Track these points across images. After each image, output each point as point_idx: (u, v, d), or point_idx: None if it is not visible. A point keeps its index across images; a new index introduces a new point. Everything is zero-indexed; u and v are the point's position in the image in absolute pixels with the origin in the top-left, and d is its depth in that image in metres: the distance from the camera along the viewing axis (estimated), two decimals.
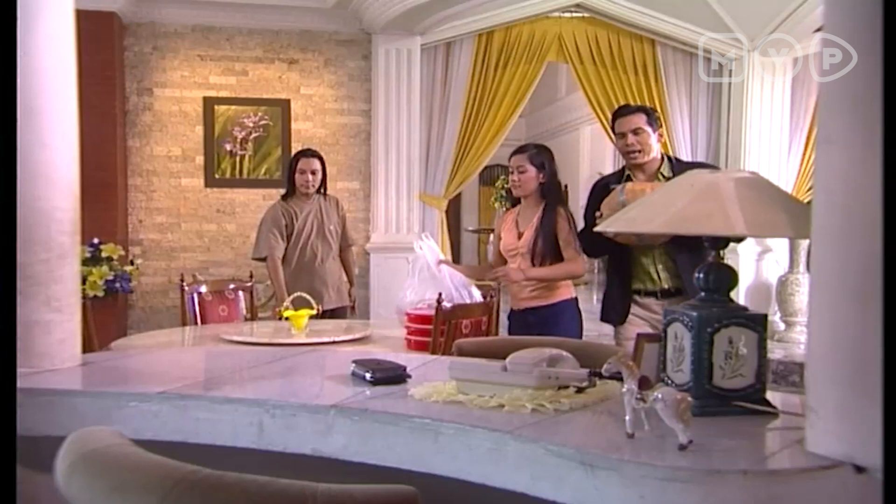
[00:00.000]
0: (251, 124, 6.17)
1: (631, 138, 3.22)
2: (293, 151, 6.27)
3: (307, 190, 4.46)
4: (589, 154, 16.23)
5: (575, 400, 1.43)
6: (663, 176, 3.19)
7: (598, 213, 3.12)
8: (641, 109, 3.36)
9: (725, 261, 1.55)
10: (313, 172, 4.47)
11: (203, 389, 1.55)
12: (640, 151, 3.21)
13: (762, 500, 1.09)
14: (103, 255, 5.05)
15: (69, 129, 1.73)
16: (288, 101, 6.20)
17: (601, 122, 7.06)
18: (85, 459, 1.01)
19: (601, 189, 3.28)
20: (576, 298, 3.59)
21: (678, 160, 3.43)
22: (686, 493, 1.09)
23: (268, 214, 4.55)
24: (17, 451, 1.18)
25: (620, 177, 3.34)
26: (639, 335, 2.59)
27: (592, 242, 3.26)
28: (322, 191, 4.57)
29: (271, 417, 1.44)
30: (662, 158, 3.26)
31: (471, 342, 2.30)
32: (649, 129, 3.23)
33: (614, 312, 3.26)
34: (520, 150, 3.80)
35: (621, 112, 3.36)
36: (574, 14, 6.73)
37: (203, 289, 4.40)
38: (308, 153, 4.61)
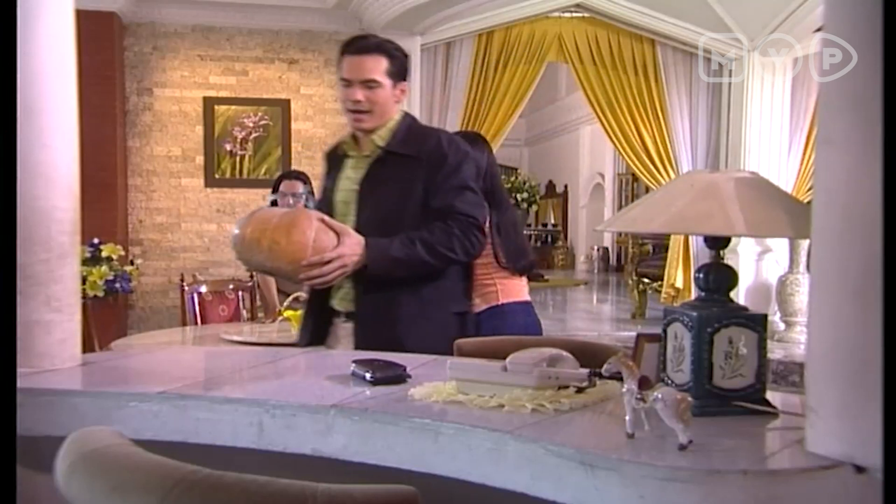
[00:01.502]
0: (251, 124, 6.18)
1: (359, 93, 2.25)
2: (293, 151, 6.30)
3: None
4: (589, 154, 16.26)
5: (575, 400, 1.43)
6: (375, 145, 2.31)
7: None
8: (382, 49, 2.28)
9: (725, 261, 1.55)
10: (294, 196, 4.26)
11: (203, 389, 1.55)
12: (368, 113, 2.26)
13: (762, 500, 1.09)
14: (103, 255, 5.05)
15: (69, 129, 1.73)
16: (288, 101, 6.21)
17: (601, 122, 7.07)
18: (85, 459, 1.01)
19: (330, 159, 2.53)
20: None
21: (412, 125, 2.36)
22: (686, 493, 1.09)
23: None
24: (17, 451, 1.18)
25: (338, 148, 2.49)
26: (639, 335, 2.59)
27: None
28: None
29: (271, 417, 1.44)
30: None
31: (471, 342, 2.30)
32: (388, 83, 2.27)
33: (306, 333, 2.49)
34: None
35: (350, 48, 2.29)
36: (574, 14, 6.75)
37: (203, 289, 4.41)
38: (291, 175, 4.44)
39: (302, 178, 4.41)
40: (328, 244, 2.12)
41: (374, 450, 1.36)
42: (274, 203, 4.41)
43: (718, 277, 1.47)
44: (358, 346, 2.24)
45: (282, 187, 4.33)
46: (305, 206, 2.41)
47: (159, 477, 0.94)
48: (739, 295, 5.77)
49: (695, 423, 1.21)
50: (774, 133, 6.82)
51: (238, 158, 6.18)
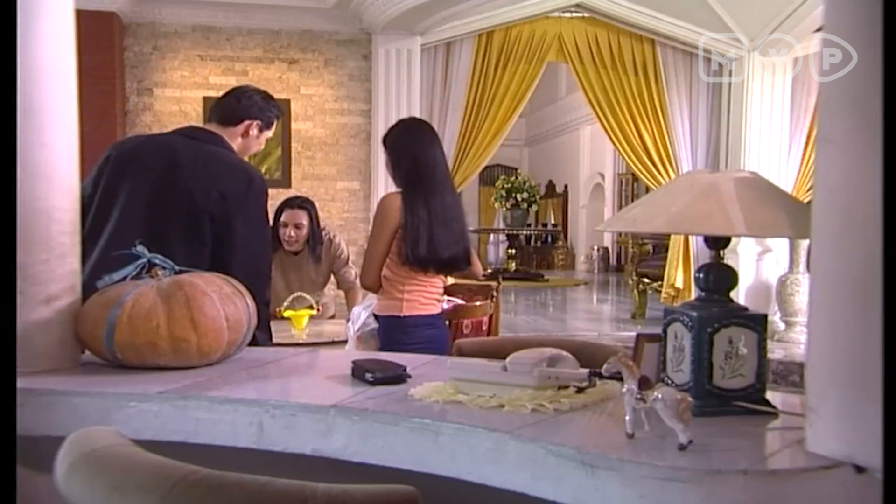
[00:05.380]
0: None
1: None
2: (293, 151, 6.29)
3: (290, 246, 3.93)
4: (589, 154, 16.26)
5: (575, 400, 1.43)
6: None
7: None
8: None
9: (725, 261, 1.55)
10: (297, 226, 3.89)
11: (203, 389, 1.55)
12: None
13: (762, 500, 1.09)
14: None
15: (69, 129, 1.72)
16: (288, 101, 6.21)
17: (601, 122, 7.07)
18: (85, 459, 1.01)
19: None
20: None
21: None
22: (686, 493, 1.09)
23: None
24: (17, 451, 1.18)
25: None
26: (639, 335, 2.58)
27: None
28: (312, 244, 3.97)
29: (271, 417, 1.44)
30: None
31: (471, 342, 2.30)
32: None
33: None
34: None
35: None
36: (574, 14, 6.75)
37: None
38: (294, 203, 3.98)
39: (307, 206, 3.96)
40: (241, 310, 1.79)
41: (374, 450, 1.36)
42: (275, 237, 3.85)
43: (718, 277, 1.47)
44: None
45: (283, 216, 3.93)
46: (156, 271, 1.78)
47: (159, 477, 0.94)
48: (739, 295, 5.78)
49: (695, 423, 1.21)
50: (774, 133, 6.82)
51: None
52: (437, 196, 2.82)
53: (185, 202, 2.25)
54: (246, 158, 2.70)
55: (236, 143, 2.62)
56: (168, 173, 2.27)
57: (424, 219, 2.77)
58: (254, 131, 2.63)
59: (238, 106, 2.59)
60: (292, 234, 3.90)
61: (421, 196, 2.79)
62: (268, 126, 2.68)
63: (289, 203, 4.00)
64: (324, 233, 4.10)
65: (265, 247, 2.48)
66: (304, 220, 3.92)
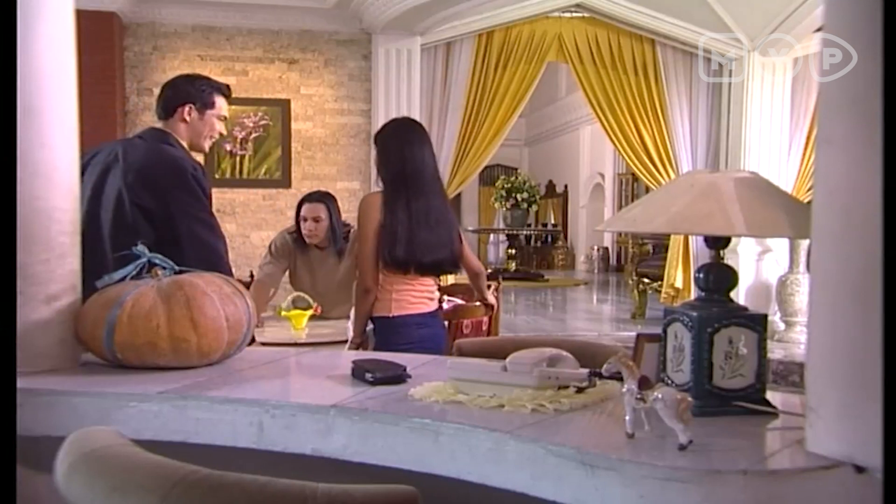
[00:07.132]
0: (251, 124, 6.18)
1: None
2: (293, 151, 6.30)
3: (310, 240, 3.95)
4: (589, 154, 16.26)
5: (575, 400, 1.43)
6: None
7: None
8: None
9: (725, 261, 1.55)
10: (316, 220, 3.90)
11: (203, 389, 1.55)
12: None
13: (762, 500, 1.09)
14: None
15: (69, 129, 1.73)
16: (288, 101, 6.21)
17: (601, 122, 7.07)
18: (85, 459, 1.01)
19: None
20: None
21: None
22: (686, 493, 1.09)
23: (278, 236, 4.16)
24: (17, 451, 1.18)
25: None
26: (639, 335, 2.59)
27: None
28: (333, 238, 3.95)
29: (271, 417, 1.44)
30: None
31: (471, 342, 2.30)
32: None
33: None
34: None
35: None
36: (574, 14, 6.75)
37: None
38: (313, 197, 4.01)
39: (325, 200, 3.97)
40: (241, 310, 1.78)
41: (374, 450, 1.36)
42: (295, 232, 3.98)
43: (718, 277, 1.47)
44: None
45: (302, 210, 3.98)
46: (156, 271, 1.80)
47: (159, 477, 0.94)
48: (739, 295, 5.77)
49: (695, 423, 1.21)
50: (774, 133, 6.82)
51: (238, 158, 6.18)
52: (421, 198, 2.79)
53: (115, 199, 2.39)
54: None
55: (181, 131, 2.67)
56: (105, 175, 2.44)
57: (403, 221, 2.75)
58: (193, 114, 2.65)
59: (166, 97, 2.64)
60: (312, 226, 3.94)
61: (403, 198, 2.76)
62: (206, 105, 2.68)
63: (308, 197, 4.06)
64: (353, 230, 4.06)
65: (215, 237, 2.51)
66: (323, 214, 3.95)
